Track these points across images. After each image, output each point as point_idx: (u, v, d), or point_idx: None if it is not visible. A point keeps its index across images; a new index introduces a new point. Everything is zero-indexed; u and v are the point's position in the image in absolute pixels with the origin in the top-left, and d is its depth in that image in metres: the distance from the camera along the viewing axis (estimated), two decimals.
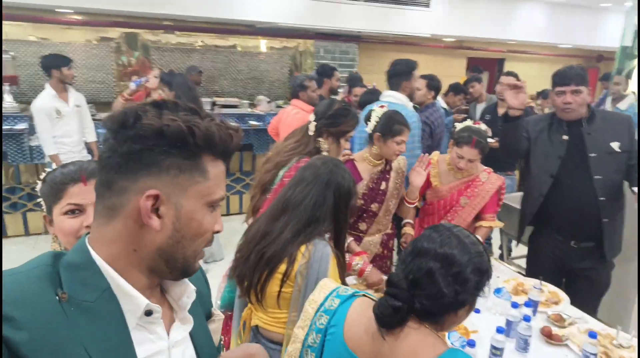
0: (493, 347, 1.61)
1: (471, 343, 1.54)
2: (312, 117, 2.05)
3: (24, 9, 4.83)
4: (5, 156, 4.04)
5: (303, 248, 1.46)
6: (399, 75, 3.05)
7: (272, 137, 3.84)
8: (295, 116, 3.40)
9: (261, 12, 5.46)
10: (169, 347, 0.74)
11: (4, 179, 4.18)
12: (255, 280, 1.48)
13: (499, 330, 1.61)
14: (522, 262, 2.91)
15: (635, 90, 4.55)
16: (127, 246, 0.68)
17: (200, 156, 0.69)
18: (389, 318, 1.04)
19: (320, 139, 2.03)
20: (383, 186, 2.35)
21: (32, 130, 3.98)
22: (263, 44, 6.34)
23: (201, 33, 5.91)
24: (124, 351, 0.66)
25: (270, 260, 1.46)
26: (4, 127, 3.97)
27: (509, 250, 3.69)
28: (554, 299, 2.05)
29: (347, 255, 2.13)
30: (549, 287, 2.15)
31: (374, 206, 2.35)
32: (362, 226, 2.37)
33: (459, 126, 2.42)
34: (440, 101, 4.67)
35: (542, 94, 5.66)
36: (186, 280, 0.79)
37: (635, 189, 2.19)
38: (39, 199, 1.17)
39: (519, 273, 2.41)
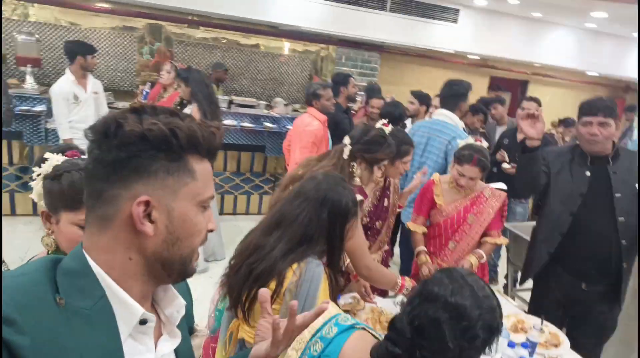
0: None
1: None
2: (347, 140, 2.03)
3: None
4: (21, 136, 4.09)
5: (295, 266, 1.42)
6: (456, 96, 3.09)
7: (284, 153, 3.80)
8: (305, 129, 3.35)
9: (286, 15, 5.47)
10: None
11: (18, 159, 4.24)
12: (244, 296, 1.45)
13: None
14: (527, 295, 2.84)
15: None
16: (122, 255, 0.68)
17: (185, 157, 0.69)
18: None
19: (354, 163, 2.00)
20: (385, 202, 2.33)
21: (49, 113, 4.02)
22: (285, 46, 6.34)
23: (225, 30, 5.93)
24: None
25: (258, 277, 1.42)
26: (23, 108, 4.02)
27: (515, 281, 3.60)
28: (554, 341, 1.98)
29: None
30: (550, 328, 2.08)
31: (378, 224, 2.32)
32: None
33: (461, 143, 2.40)
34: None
35: (564, 122, 5.54)
36: (177, 293, 0.79)
37: None
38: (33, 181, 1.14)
39: (522, 310, 2.34)
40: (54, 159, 1.14)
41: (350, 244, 1.93)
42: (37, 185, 1.15)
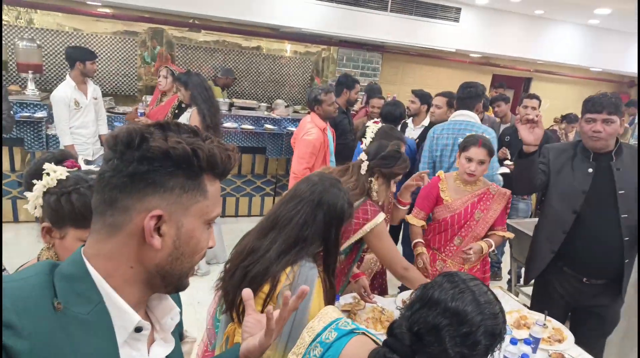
0: None
1: None
2: (363, 156, 2.05)
3: None
4: (22, 143, 4.11)
5: (288, 269, 1.41)
6: (472, 97, 3.17)
7: (293, 147, 3.79)
8: (304, 138, 3.30)
9: (287, 17, 5.47)
10: None
11: (19, 165, 4.26)
12: (238, 299, 1.43)
13: None
14: (531, 291, 2.80)
15: None
16: (124, 263, 0.69)
17: (202, 176, 0.71)
18: None
19: (371, 179, 2.02)
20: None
21: (51, 119, 4.04)
22: (287, 48, 6.34)
23: (226, 33, 5.94)
24: None
25: (253, 280, 1.41)
26: (24, 114, 4.05)
27: (518, 277, 3.57)
28: (558, 336, 1.95)
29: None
30: (553, 323, 2.05)
31: None
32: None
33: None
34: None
35: (567, 118, 5.50)
36: (172, 301, 0.81)
37: None
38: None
39: (524, 305, 2.31)
40: (58, 172, 1.11)
41: (380, 247, 1.96)
42: (36, 198, 1.12)
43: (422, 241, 2.43)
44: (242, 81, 6.17)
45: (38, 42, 4.79)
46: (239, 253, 1.50)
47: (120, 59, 5.54)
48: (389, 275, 2.50)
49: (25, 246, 3.34)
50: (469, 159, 2.29)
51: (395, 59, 7.09)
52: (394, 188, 2.19)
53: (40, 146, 4.13)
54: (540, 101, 4.00)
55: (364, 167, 2.03)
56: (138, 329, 0.71)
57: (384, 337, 1.82)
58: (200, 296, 3.40)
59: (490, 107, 4.90)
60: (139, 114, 4.35)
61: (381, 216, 1.96)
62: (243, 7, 5.23)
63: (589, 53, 7.33)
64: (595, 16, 6.29)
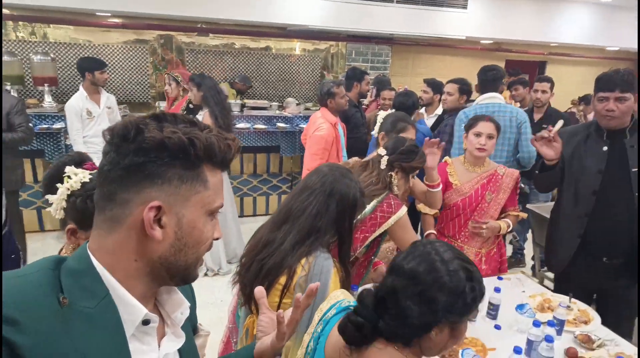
0: None
1: None
2: (382, 151, 2.06)
3: (66, 13, 5.04)
4: (43, 154, 4.22)
5: (303, 260, 1.41)
6: (496, 80, 3.22)
7: (303, 144, 3.80)
8: (315, 134, 3.31)
9: (293, 15, 5.47)
10: None
11: (42, 176, 4.37)
12: None
13: (516, 350, 1.51)
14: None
15: None
16: (127, 257, 0.69)
17: (200, 166, 0.70)
18: (352, 336, 1.02)
19: (391, 173, 2.03)
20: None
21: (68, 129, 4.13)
22: (295, 46, 6.35)
23: (234, 35, 5.98)
24: None
25: (269, 272, 1.42)
26: (43, 126, 4.15)
27: (542, 262, 3.50)
28: (583, 318, 1.91)
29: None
30: (578, 305, 2.01)
31: None
32: None
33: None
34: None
35: (585, 100, 5.37)
36: (182, 295, 0.80)
37: None
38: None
39: (548, 288, 2.27)
40: (80, 175, 1.14)
41: (405, 238, 1.98)
42: (60, 201, 1.14)
43: (434, 232, 2.42)
44: (252, 81, 6.20)
45: (52, 55, 4.91)
46: (253, 247, 1.51)
47: (132, 68, 5.63)
48: None
49: (52, 254, 3.42)
50: (478, 134, 2.27)
51: (405, 51, 7.03)
52: (411, 182, 2.19)
53: (60, 155, 4.23)
54: (551, 83, 3.92)
55: (384, 162, 2.04)
56: (146, 322, 0.71)
57: None
58: (222, 295, 3.45)
59: (508, 91, 4.82)
60: None
61: (404, 209, 1.99)
62: (249, 8, 5.26)
63: (603, 32, 7.14)
64: None
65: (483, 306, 1.95)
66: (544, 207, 3.26)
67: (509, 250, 4.19)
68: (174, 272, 0.72)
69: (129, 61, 5.60)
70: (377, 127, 2.68)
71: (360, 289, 1.60)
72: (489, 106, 3.11)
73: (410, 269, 1.00)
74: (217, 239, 0.78)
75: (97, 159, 3.22)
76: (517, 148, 3.08)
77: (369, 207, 1.96)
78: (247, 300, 1.47)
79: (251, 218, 5.06)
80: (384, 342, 1.01)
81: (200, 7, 5.05)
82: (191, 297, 0.93)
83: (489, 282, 2.13)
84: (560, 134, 2.14)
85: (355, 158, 2.30)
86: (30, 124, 3.51)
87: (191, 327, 0.91)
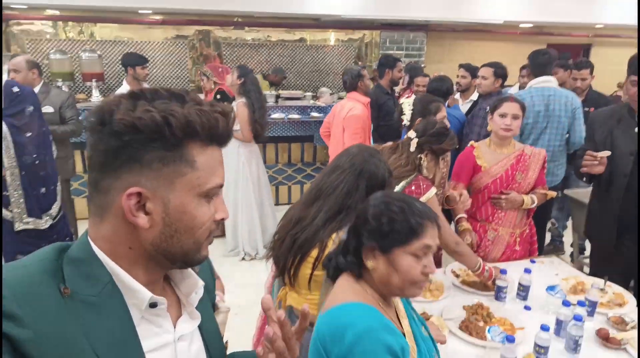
0: (537, 345, 1.52)
1: (510, 339, 1.46)
2: (412, 134, 2.09)
3: (111, 12, 5.30)
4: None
5: (334, 235, 1.48)
6: (550, 64, 3.25)
7: (323, 138, 3.86)
8: (351, 114, 3.39)
9: (327, 5, 5.50)
10: (175, 340, 0.73)
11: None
12: (289, 264, 1.53)
13: (543, 328, 1.51)
14: None
15: None
16: (122, 244, 0.67)
17: (184, 146, 0.65)
18: (328, 271, 1.22)
19: (421, 156, 2.06)
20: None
21: None
22: (330, 37, 6.39)
23: (269, 28, 6.09)
24: (129, 344, 0.65)
25: (302, 245, 1.50)
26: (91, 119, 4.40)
27: (581, 249, 3.41)
28: (618, 301, 1.87)
29: None
30: (613, 288, 1.98)
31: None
32: None
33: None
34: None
35: None
36: (195, 275, 0.78)
37: None
38: None
39: (583, 272, 2.23)
40: None
41: None
42: None
43: (464, 216, 2.39)
44: (287, 73, 6.30)
45: (99, 52, 5.18)
46: (286, 224, 1.60)
47: (172, 63, 5.85)
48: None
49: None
50: (504, 115, 2.26)
51: (440, 37, 6.91)
52: (442, 165, 2.20)
53: None
54: (591, 69, 3.74)
55: (413, 144, 2.06)
56: (153, 305, 0.68)
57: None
58: (260, 277, 3.57)
59: None
60: None
61: (433, 191, 2.00)
62: (284, 0, 5.33)
63: None
64: None
65: (513, 288, 1.96)
66: (582, 193, 3.17)
67: (547, 237, 4.09)
68: (172, 258, 0.69)
69: (170, 57, 5.82)
70: (406, 116, 2.64)
71: None
72: (544, 89, 3.10)
73: (362, 207, 1.17)
74: (222, 220, 0.73)
75: None
76: (569, 131, 3.12)
77: (397, 188, 1.99)
78: (281, 273, 1.56)
79: (286, 206, 5.13)
80: (346, 275, 1.16)
81: (236, 1, 5.17)
82: (209, 274, 0.93)
83: (522, 264, 2.14)
84: (594, 117, 2.10)
85: (389, 143, 2.33)
86: (80, 118, 3.75)
87: (210, 304, 0.89)
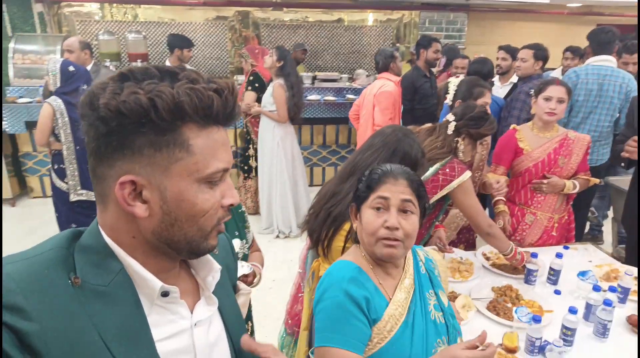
0: (564, 327, 1.54)
1: (537, 319, 1.50)
2: (450, 117, 2.11)
3: None
4: None
5: None
6: (611, 42, 3.20)
7: (352, 122, 3.90)
8: (382, 90, 3.43)
9: None
10: (192, 326, 0.71)
11: None
12: (323, 236, 1.61)
13: (571, 310, 1.54)
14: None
15: None
16: (125, 233, 0.65)
17: (176, 129, 0.60)
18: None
19: (458, 139, 2.08)
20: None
21: None
22: (368, 18, 6.34)
23: (307, 9, 6.10)
24: (139, 334, 0.64)
25: (336, 218, 1.57)
26: None
27: (621, 239, 3.33)
28: None
29: None
30: None
31: None
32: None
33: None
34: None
35: None
36: (212, 259, 0.76)
37: None
38: None
39: (617, 259, 2.21)
40: None
41: (466, 203, 2.02)
42: None
43: (503, 199, 2.39)
44: (323, 54, 6.31)
45: (143, 33, 5.37)
46: (321, 198, 1.68)
47: (212, 44, 5.98)
48: None
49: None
50: (548, 99, 2.21)
51: (481, 18, 6.71)
52: (479, 149, 2.20)
53: None
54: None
55: (451, 127, 2.07)
56: (165, 294, 0.67)
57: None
58: (292, 255, 3.70)
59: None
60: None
61: (468, 174, 2.01)
62: None
63: None
64: None
65: (544, 272, 1.97)
66: (624, 181, 3.08)
67: (587, 227, 4.01)
68: (176, 247, 0.66)
69: (210, 37, 5.96)
70: (450, 95, 2.67)
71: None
72: (601, 68, 3.09)
73: None
74: (231, 206, 0.68)
75: None
76: (620, 113, 3.11)
77: (431, 170, 2.02)
78: (315, 245, 1.65)
79: (319, 188, 5.26)
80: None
81: None
82: (231, 256, 0.91)
83: (555, 250, 2.14)
84: (635, 103, 2.05)
85: (427, 124, 2.34)
86: None
87: (231, 286, 0.88)
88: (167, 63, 4.23)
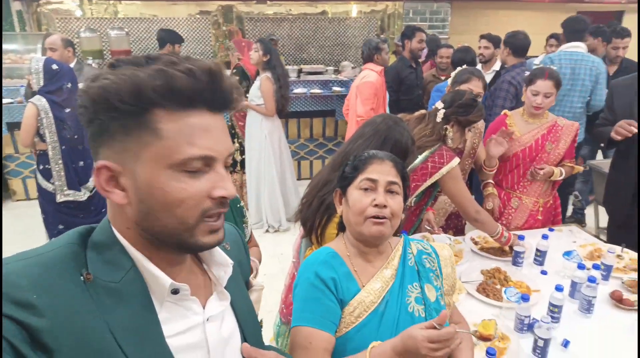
0: (551, 305, 1.59)
1: (525, 298, 1.55)
2: (439, 105, 2.12)
3: None
4: None
5: None
6: (581, 31, 3.41)
7: (345, 117, 3.93)
8: (363, 81, 3.46)
9: None
10: (204, 321, 0.71)
11: None
12: (317, 223, 1.63)
13: (558, 288, 1.59)
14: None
15: None
16: (122, 225, 0.65)
17: (144, 113, 0.59)
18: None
19: (446, 126, 2.10)
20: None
21: None
22: (351, 9, 6.34)
23: (291, 1, 6.08)
24: (150, 331, 0.64)
25: (329, 206, 1.59)
26: None
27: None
28: (634, 266, 1.92)
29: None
30: (630, 254, 2.02)
31: None
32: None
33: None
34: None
35: None
36: (224, 254, 0.76)
37: None
38: None
39: (600, 239, 2.27)
40: None
41: (455, 190, 2.06)
42: None
43: (492, 182, 2.44)
44: (308, 47, 6.30)
45: (126, 30, 5.30)
46: (313, 187, 1.69)
47: (196, 39, 5.93)
48: None
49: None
50: (536, 93, 2.26)
51: (464, 7, 6.76)
52: (469, 136, 2.23)
53: None
54: (630, 37, 3.67)
55: (440, 115, 2.09)
56: (175, 291, 0.66)
57: None
58: (282, 248, 3.72)
59: None
60: None
61: (456, 161, 2.04)
62: None
63: None
64: None
65: (531, 254, 2.02)
66: (605, 164, 3.16)
67: (569, 210, 4.10)
68: (161, 240, 0.65)
69: (193, 33, 5.91)
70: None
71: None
72: (573, 54, 3.31)
73: None
74: (223, 198, 0.64)
75: None
76: (591, 95, 3.32)
77: (420, 157, 2.05)
78: (308, 233, 1.67)
79: (308, 181, 5.27)
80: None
81: None
82: (244, 252, 0.91)
83: (541, 232, 2.19)
84: (614, 85, 2.10)
85: (417, 112, 2.37)
86: None
87: (244, 281, 0.89)
88: None
